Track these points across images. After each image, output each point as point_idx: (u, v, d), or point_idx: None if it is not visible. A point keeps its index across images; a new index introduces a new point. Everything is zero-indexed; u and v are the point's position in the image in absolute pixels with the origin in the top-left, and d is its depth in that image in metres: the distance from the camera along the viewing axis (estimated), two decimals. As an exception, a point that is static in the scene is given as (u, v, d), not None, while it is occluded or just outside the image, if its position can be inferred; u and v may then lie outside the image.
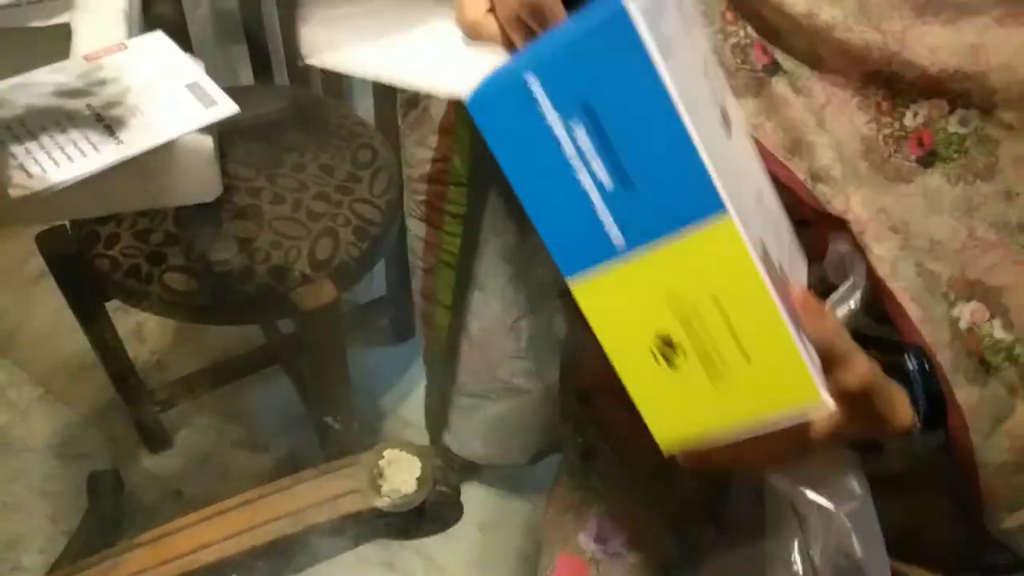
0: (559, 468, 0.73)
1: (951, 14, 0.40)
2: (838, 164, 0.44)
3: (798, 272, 0.42)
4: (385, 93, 1.05)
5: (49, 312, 1.37)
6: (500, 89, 0.32)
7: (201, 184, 0.53)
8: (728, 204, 0.30)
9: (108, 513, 1.12)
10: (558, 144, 0.31)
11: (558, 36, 0.31)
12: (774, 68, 0.46)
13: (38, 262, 0.93)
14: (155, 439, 1.19)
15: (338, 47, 0.51)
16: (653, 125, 0.30)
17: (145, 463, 1.20)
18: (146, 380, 1.16)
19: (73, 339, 1.09)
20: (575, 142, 0.31)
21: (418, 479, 0.45)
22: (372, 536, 0.45)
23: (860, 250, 0.43)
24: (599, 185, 0.31)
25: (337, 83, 1.10)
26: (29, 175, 0.47)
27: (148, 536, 0.46)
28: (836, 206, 0.44)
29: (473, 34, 0.47)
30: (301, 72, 1.08)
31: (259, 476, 1.19)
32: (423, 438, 1.12)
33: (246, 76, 1.11)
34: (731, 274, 0.31)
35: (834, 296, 0.44)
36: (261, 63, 1.06)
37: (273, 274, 0.86)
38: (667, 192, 0.31)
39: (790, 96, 0.45)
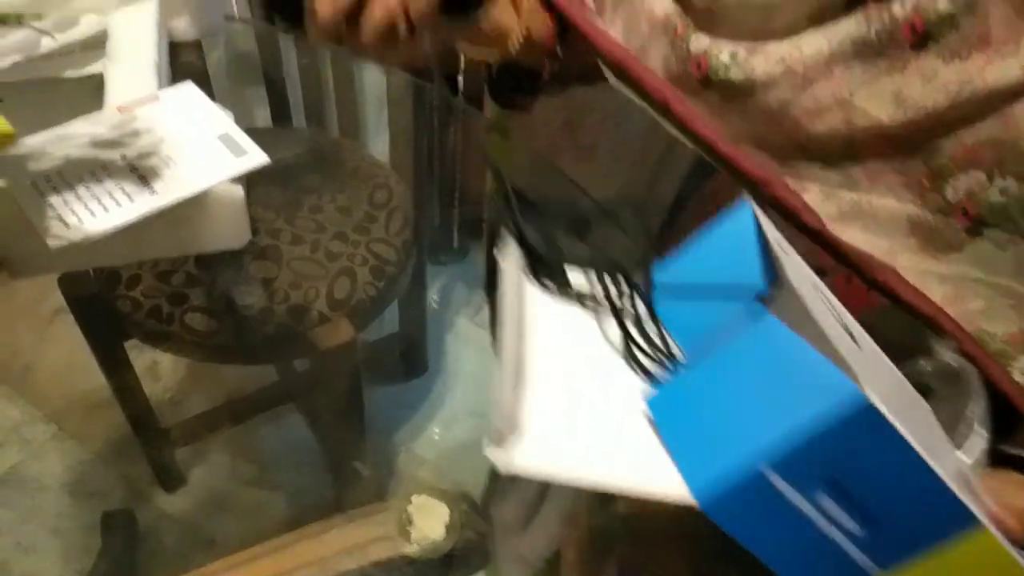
0: (575, 510, 0.73)
1: None
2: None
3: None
4: (400, 134, 1.07)
5: (64, 349, 1.38)
6: (736, 487, 0.31)
7: (231, 231, 0.54)
8: (980, 515, 0.30)
9: (122, 553, 1.11)
10: (801, 512, 0.31)
11: (780, 419, 0.30)
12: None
13: (54, 299, 0.94)
14: (169, 477, 1.19)
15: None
16: (902, 477, 0.30)
17: (159, 502, 1.20)
18: (160, 418, 1.16)
19: (87, 376, 1.10)
20: (819, 507, 0.31)
21: (447, 525, 0.45)
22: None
23: (969, 357, 0.42)
24: (847, 533, 0.31)
25: (353, 125, 1.12)
26: (67, 225, 0.48)
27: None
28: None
29: (322, 36, 0.48)
30: (318, 114, 1.10)
31: (273, 515, 1.19)
32: (437, 475, 1.12)
33: (261, 116, 1.13)
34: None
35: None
36: (279, 105, 1.08)
37: (292, 314, 0.87)
38: (918, 521, 0.30)
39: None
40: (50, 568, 1.14)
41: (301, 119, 1.12)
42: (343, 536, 0.45)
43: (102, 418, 1.29)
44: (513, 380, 0.34)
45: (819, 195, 0.51)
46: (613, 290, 0.42)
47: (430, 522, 0.45)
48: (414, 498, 0.46)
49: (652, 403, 0.35)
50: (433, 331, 1.37)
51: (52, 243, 0.47)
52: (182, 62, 0.77)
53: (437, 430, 1.32)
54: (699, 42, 0.56)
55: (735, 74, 0.52)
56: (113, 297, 0.89)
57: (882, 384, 0.32)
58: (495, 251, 0.42)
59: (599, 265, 0.43)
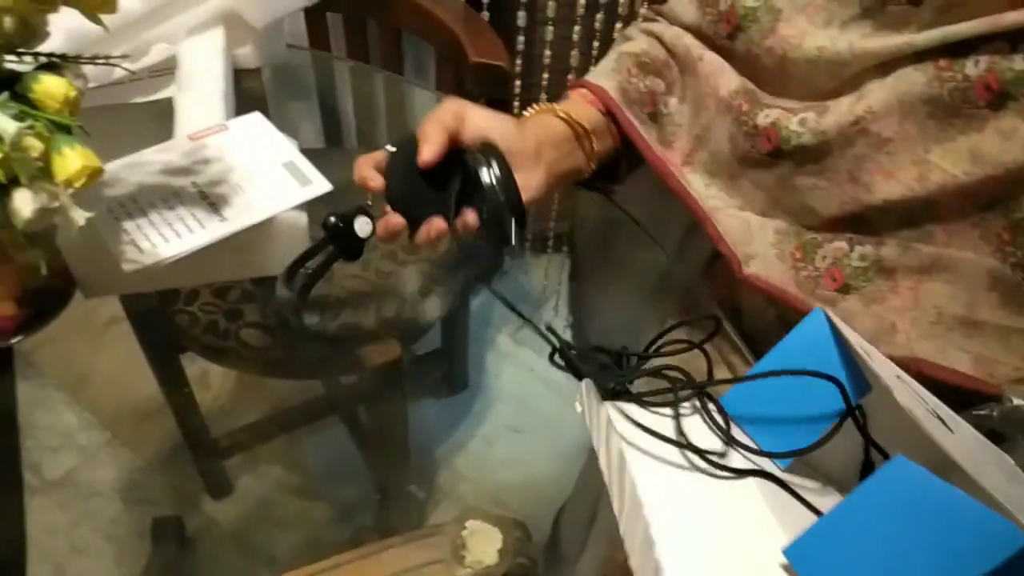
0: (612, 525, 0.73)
1: None
2: None
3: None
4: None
5: (117, 358, 1.42)
6: None
7: (293, 256, 0.56)
8: None
9: (171, 558, 1.14)
10: None
11: (934, 563, 0.29)
12: None
13: (108, 309, 0.97)
14: (217, 486, 1.22)
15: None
16: None
17: (207, 509, 1.23)
18: (212, 427, 1.19)
19: (139, 386, 1.13)
20: None
21: (499, 551, 0.46)
22: (454, 603, 0.46)
23: None
24: None
25: (403, 145, 1.14)
26: (140, 250, 0.51)
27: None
28: None
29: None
30: (369, 137, 1.13)
31: (317, 525, 1.21)
32: (477, 492, 1.13)
33: (305, 133, 1.16)
34: None
35: None
36: (332, 128, 1.11)
37: (342, 331, 0.89)
38: None
39: None
40: (103, 571, 1.17)
41: (353, 141, 1.15)
42: (399, 558, 0.47)
43: (153, 426, 1.32)
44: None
45: (896, 248, 0.51)
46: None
47: (483, 547, 0.46)
48: (468, 523, 0.47)
49: (790, 552, 0.34)
50: (474, 348, 1.38)
51: (127, 267, 0.50)
52: (244, 88, 0.80)
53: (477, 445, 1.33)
54: (766, 116, 0.57)
55: (807, 139, 0.53)
56: (172, 312, 0.92)
57: (981, 460, 0.32)
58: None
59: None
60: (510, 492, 1.22)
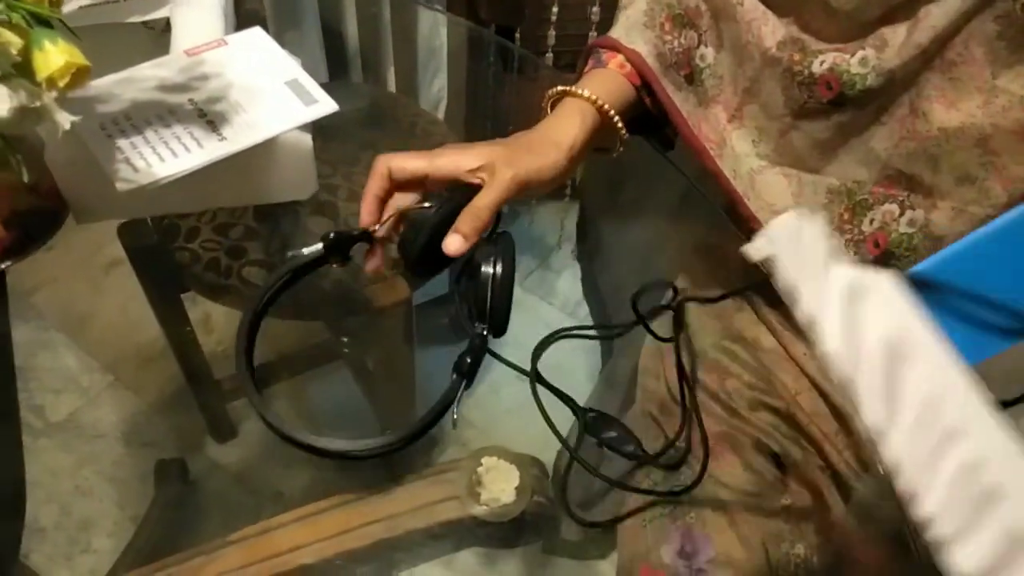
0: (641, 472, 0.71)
1: None
2: None
3: None
4: (457, 91, 1.05)
5: (120, 300, 1.40)
6: None
7: (299, 181, 0.53)
8: None
9: (174, 501, 1.13)
10: None
11: None
12: None
13: (111, 250, 0.94)
14: (221, 429, 1.21)
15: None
16: None
17: (211, 452, 1.22)
18: (216, 369, 1.17)
19: (142, 328, 1.11)
20: None
21: (517, 489, 0.44)
22: (469, 544, 0.44)
23: None
24: None
25: (409, 81, 1.10)
26: (135, 169, 0.47)
27: (243, 533, 0.46)
28: None
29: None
30: (374, 69, 1.09)
31: (323, 467, 1.20)
32: (484, 438, 1.12)
33: (307, 66, 1.12)
34: None
35: None
36: (337, 60, 1.06)
37: (348, 271, 0.86)
38: None
39: None
40: (106, 513, 1.16)
41: (358, 74, 1.10)
42: (411, 495, 0.45)
43: (156, 369, 1.31)
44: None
45: (949, 212, 0.48)
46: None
47: (500, 485, 0.44)
48: (484, 460, 0.44)
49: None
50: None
51: (120, 187, 0.46)
52: (245, 9, 0.76)
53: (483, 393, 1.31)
54: (822, 62, 0.53)
55: (872, 80, 0.50)
56: (172, 249, 0.89)
57: None
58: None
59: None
60: (516, 439, 1.21)
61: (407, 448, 0.43)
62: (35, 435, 1.24)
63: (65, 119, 0.35)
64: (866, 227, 0.53)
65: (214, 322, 1.37)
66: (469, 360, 0.47)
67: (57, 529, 1.15)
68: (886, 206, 0.52)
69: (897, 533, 0.60)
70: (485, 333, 0.48)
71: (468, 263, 0.51)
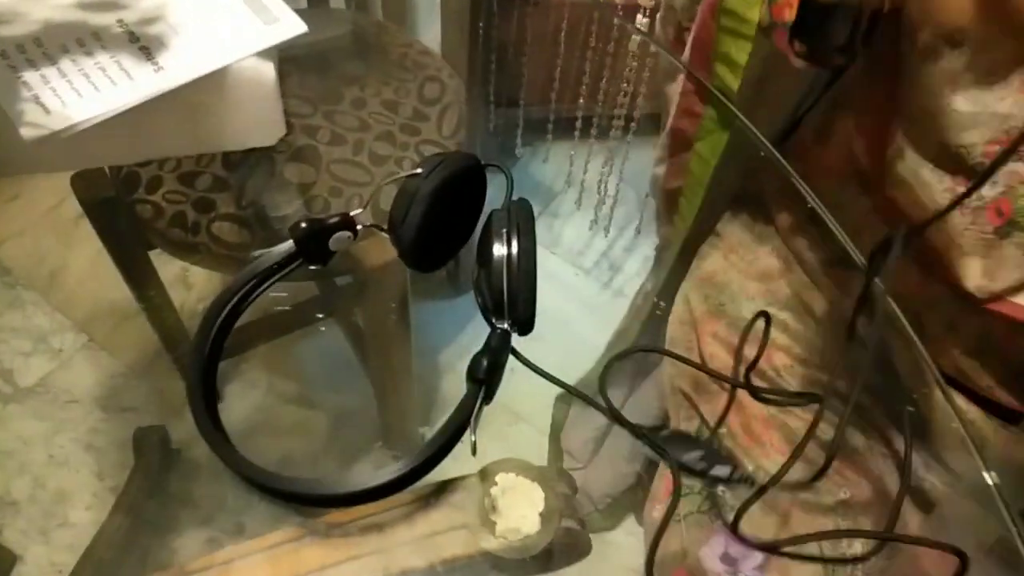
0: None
1: None
2: None
3: None
4: (453, 17, 0.92)
5: (90, 255, 1.30)
6: None
7: (262, 123, 0.43)
8: None
9: (155, 471, 1.06)
10: None
11: None
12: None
13: (77, 201, 0.84)
14: (204, 394, 1.12)
15: None
16: None
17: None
18: (192, 330, 1.08)
19: (116, 285, 1.02)
20: None
21: (541, 515, 0.35)
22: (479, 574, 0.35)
23: None
24: None
25: (400, 6, 0.97)
26: (46, 111, 0.37)
27: (199, 564, 0.37)
28: None
29: None
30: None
31: (314, 435, 1.12)
32: (497, 448, 1.04)
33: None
34: None
35: None
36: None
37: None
38: None
39: None
40: (84, 483, 1.09)
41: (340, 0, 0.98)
42: (406, 523, 0.35)
43: (134, 329, 1.22)
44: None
45: None
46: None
47: (520, 510, 0.35)
48: (499, 477, 0.35)
49: None
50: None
51: (27, 133, 0.36)
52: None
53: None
54: (993, 186, 0.42)
55: None
56: (132, 201, 0.78)
57: None
58: None
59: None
60: (518, 399, 1.13)
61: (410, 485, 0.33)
62: (4, 401, 1.16)
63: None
64: (987, 190, 0.43)
65: (193, 278, 1.27)
66: (486, 363, 0.36)
67: (31, 502, 1.07)
68: (1012, 166, 0.42)
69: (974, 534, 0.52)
70: (506, 328, 0.38)
71: (481, 241, 0.41)
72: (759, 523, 0.53)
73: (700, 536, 0.54)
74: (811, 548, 0.53)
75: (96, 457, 1.11)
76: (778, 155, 0.57)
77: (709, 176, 0.66)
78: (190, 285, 1.27)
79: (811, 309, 0.57)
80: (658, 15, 0.68)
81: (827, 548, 0.54)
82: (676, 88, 0.65)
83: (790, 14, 0.45)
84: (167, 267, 1.00)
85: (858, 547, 0.54)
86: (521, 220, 0.39)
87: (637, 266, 1.33)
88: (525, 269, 0.38)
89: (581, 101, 1.08)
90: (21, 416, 1.15)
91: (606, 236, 1.28)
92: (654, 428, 0.68)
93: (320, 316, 1.16)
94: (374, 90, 0.86)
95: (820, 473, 0.43)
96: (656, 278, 0.90)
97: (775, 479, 0.38)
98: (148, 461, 1.06)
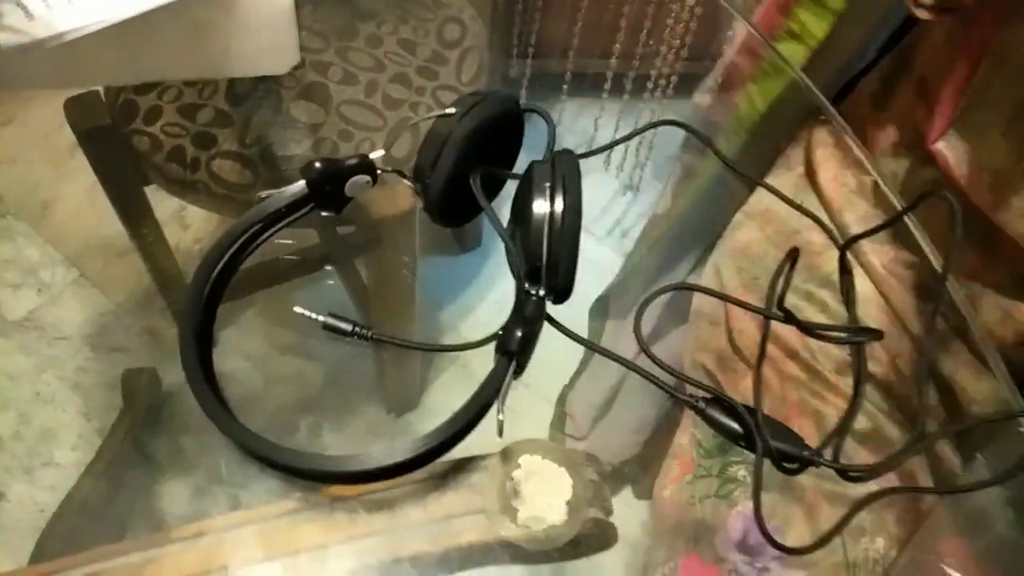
0: (682, 424, 0.60)
1: None
2: None
3: None
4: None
5: (85, 186, 1.24)
6: None
7: (274, 47, 0.38)
8: None
9: (144, 414, 1.03)
10: None
11: None
12: None
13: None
14: (197, 338, 1.08)
15: None
16: None
17: (185, 363, 1.10)
18: (188, 272, 1.04)
19: (110, 219, 0.97)
20: None
21: (568, 503, 0.31)
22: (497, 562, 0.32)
23: None
24: None
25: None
26: (29, 15, 0.32)
27: (187, 531, 0.34)
28: None
29: None
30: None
31: (310, 385, 1.09)
32: (486, 363, 1.00)
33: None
34: None
35: None
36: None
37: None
38: None
39: None
40: (70, 423, 1.06)
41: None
42: (420, 504, 0.32)
43: (126, 266, 1.18)
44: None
45: None
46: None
47: (546, 498, 0.31)
48: (523, 459, 0.32)
49: None
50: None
51: (5, 39, 0.32)
52: None
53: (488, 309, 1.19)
54: None
55: None
56: (128, 132, 0.73)
57: None
58: None
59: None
60: (533, 384, 1.10)
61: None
62: (-9, 334, 1.12)
63: None
64: None
65: (190, 217, 1.22)
66: (520, 335, 0.32)
67: (15, 439, 1.05)
68: None
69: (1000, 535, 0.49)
70: (542, 296, 0.34)
71: (519, 195, 0.36)
72: (784, 514, 0.50)
73: (716, 521, 0.51)
74: (834, 546, 0.50)
75: (83, 396, 1.08)
76: (839, 117, 0.52)
77: (754, 122, 0.62)
78: (187, 224, 1.23)
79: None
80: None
81: (849, 545, 0.51)
82: (741, 25, 0.60)
83: None
84: (163, 204, 0.96)
85: (880, 545, 0.51)
86: (567, 173, 0.34)
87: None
88: (570, 230, 0.33)
89: (612, 60, 1.01)
90: (7, 350, 1.12)
91: (635, 195, 1.23)
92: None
93: (322, 266, 1.12)
94: (391, 27, 0.81)
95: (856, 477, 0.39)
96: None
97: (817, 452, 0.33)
98: (136, 403, 1.03)
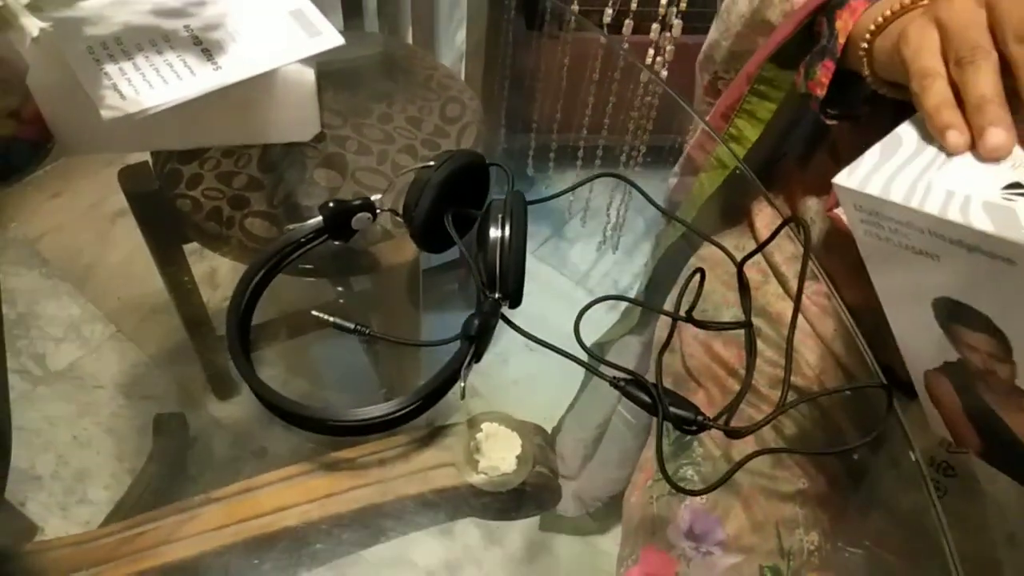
0: (648, 442, 0.68)
1: None
2: None
3: None
4: (473, 49, 1.00)
5: (124, 251, 1.38)
6: None
7: (300, 120, 0.49)
8: None
9: (172, 456, 1.12)
10: None
11: None
12: None
13: (117, 200, 0.91)
14: (222, 385, 1.18)
15: None
16: None
17: (211, 409, 1.19)
18: (217, 327, 1.15)
19: (146, 280, 1.09)
20: None
21: (518, 457, 0.41)
22: (465, 514, 0.41)
23: None
24: None
25: (428, 34, 1.05)
26: (122, 96, 0.44)
27: (225, 492, 0.43)
28: None
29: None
30: (392, 19, 1.04)
31: (322, 440, 1.18)
32: (489, 408, 1.09)
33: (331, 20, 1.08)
34: None
35: None
36: (352, 6, 1.02)
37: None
38: None
39: None
40: (104, 464, 1.15)
41: (374, 24, 1.06)
42: (404, 459, 0.41)
43: (158, 322, 1.28)
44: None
45: None
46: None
47: (500, 453, 0.40)
48: (484, 426, 0.41)
49: None
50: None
51: (106, 114, 0.43)
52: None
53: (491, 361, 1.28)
54: None
55: None
56: (173, 196, 0.85)
57: None
58: None
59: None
60: (522, 410, 1.18)
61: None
62: (34, 383, 1.23)
63: (33, 24, 0.32)
64: None
65: (219, 278, 1.34)
66: (477, 323, 0.43)
67: (54, 479, 1.13)
68: None
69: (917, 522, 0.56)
70: (497, 298, 0.44)
71: (481, 224, 0.47)
72: (724, 506, 0.58)
73: (669, 515, 0.59)
74: (770, 535, 0.58)
75: (117, 440, 1.17)
76: (765, 191, 0.63)
77: (703, 200, 0.73)
78: (216, 285, 1.34)
79: (782, 318, 0.63)
80: (698, 60, 0.76)
81: (785, 538, 0.59)
82: (697, 127, 0.73)
83: (821, 92, 0.53)
84: (196, 267, 1.07)
85: (815, 538, 0.59)
86: (515, 207, 0.45)
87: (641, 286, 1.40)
88: (516, 248, 0.44)
89: (604, 132, 1.15)
90: (50, 398, 1.22)
91: (613, 253, 1.34)
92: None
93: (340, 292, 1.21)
94: (400, 107, 0.94)
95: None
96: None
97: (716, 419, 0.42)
98: (166, 446, 1.12)
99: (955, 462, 0.54)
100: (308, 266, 0.76)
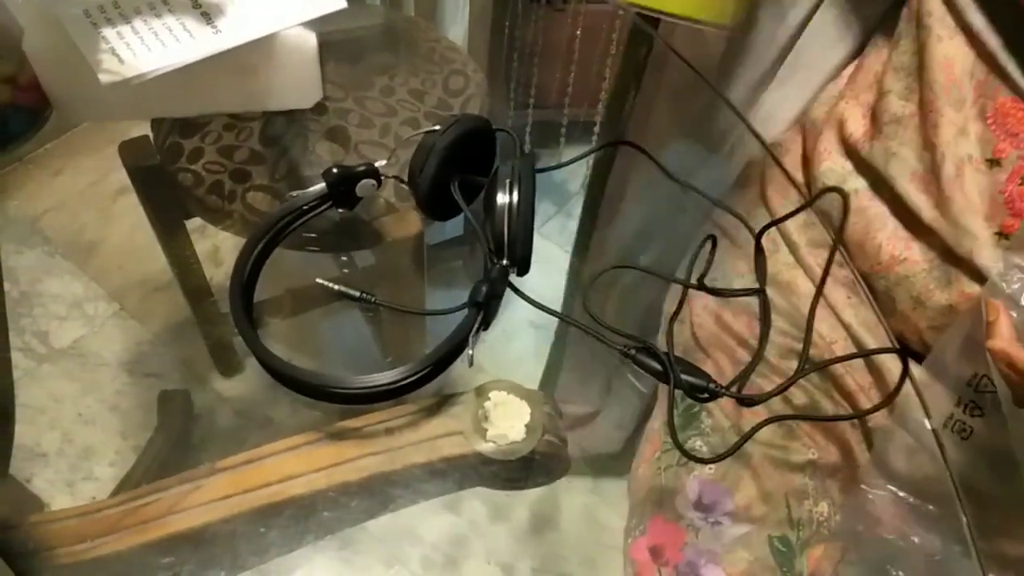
0: (653, 413, 0.68)
1: None
2: None
3: None
4: (477, 20, 0.99)
5: (127, 229, 1.37)
6: None
7: (302, 87, 0.49)
8: None
9: (177, 433, 1.12)
10: None
11: None
12: None
13: (118, 178, 0.91)
14: (226, 363, 1.18)
15: None
16: None
17: (216, 386, 1.19)
18: (220, 304, 1.14)
19: (149, 258, 1.08)
20: None
21: (527, 426, 0.40)
22: (473, 483, 0.41)
23: None
24: None
25: (431, 5, 1.04)
26: (120, 60, 0.43)
27: (232, 461, 0.42)
28: None
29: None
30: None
31: (328, 409, 1.18)
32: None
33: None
34: None
35: None
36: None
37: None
38: None
39: None
40: (108, 441, 1.15)
41: (376, -6, 1.04)
42: (412, 427, 0.41)
43: (162, 300, 1.28)
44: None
45: None
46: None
47: (509, 421, 0.40)
48: (493, 394, 0.40)
49: None
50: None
51: (104, 78, 0.42)
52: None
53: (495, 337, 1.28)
54: None
55: None
56: (174, 170, 0.85)
57: None
58: None
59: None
60: (527, 386, 1.18)
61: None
62: (39, 361, 1.23)
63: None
64: None
65: (222, 255, 1.34)
66: (485, 290, 0.42)
67: (59, 456, 1.14)
68: None
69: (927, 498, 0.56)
70: (504, 265, 0.43)
71: (488, 190, 0.46)
72: (734, 477, 0.58)
73: (678, 486, 0.59)
74: (779, 505, 0.57)
75: (121, 417, 1.17)
76: (778, 160, 0.62)
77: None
78: (219, 262, 1.33)
79: (792, 286, 0.62)
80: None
81: (795, 508, 0.58)
82: None
83: None
84: (199, 244, 1.07)
85: (824, 508, 0.59)
86: (523, 172, 0.44)
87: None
88: (524, 214, 0.43)
89: (600, 107, 1.13)
90: (54, 376, 1.22)
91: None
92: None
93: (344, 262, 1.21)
94: (402, 79, 0.92)
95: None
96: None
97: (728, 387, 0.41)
98: (170, 422, 1.12)
99: (982, 402, 0.53)
100: (311, 235, 0.76)
